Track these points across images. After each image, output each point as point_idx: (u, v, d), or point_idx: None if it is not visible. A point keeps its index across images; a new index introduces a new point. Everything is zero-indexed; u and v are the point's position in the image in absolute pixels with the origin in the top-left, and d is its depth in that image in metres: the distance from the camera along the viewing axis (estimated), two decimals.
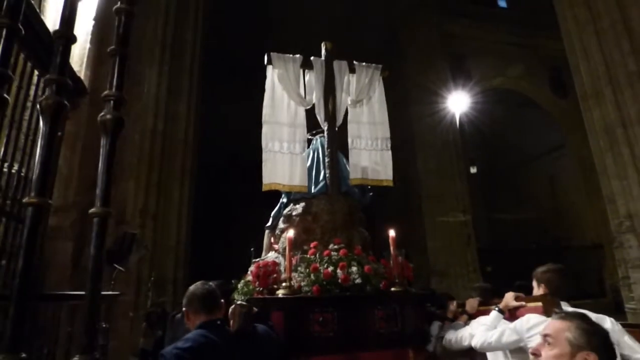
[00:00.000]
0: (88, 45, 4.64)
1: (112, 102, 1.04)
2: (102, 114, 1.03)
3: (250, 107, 5.56)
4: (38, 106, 0.91)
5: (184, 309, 2.24)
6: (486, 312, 2.67)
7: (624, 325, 2.45)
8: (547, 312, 2.30)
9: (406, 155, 17.05)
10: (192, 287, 2.29)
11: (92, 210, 1.00)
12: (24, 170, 3.63)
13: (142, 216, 11.00)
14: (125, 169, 5.25)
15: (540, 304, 2.40)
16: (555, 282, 2.51)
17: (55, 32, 0.97)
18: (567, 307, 2.37)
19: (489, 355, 2.59)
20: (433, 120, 15.84)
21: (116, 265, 3.84)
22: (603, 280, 16.44)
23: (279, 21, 16.35)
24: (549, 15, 13.10)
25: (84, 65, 4.57)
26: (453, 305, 3.30)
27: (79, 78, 4.21)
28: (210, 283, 2.35)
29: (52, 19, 3.77)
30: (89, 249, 3.25)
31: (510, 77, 17.57)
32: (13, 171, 3.48)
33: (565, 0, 10.00)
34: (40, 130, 0.93)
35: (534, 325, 2.25)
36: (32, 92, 3.86)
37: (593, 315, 2.13)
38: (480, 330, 2.51)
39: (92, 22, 4.68)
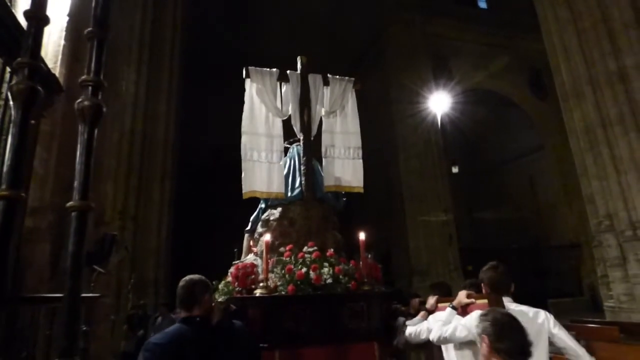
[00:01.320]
0: (62, 42, 4.48)
1: (90, 87, 0.98)
2: (80, 100, 0.96)
3: (232, 105, 5.53)
4: (9, 93, 0.85)
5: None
6: (443, 309, 2.85)
7: (602, 323, 2.59)
8: None
9: (388, 155, 17.16)
10: (180, 283, 2.41)
11: (70, 203, 0.94)
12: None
13: (121, 218, 10.77)
14: (103, 169, 5.09)
15: (486, 301, 2.57)
16: (494, 280, 2.64)
17: (26, 12, 0.90)
18: (509, 303, 2.52)
19: (442, 347, 2.79)
20: (415, 121, 15.96)
21: (96, 267, 3.72)
22: (581, 279, 16.84)
23: (260, 17, 16.24)
24: (529, 17, 13.38)
25: (58, 62, 4.41)
26: (415, 302, 3.50)
27: (53, 75, 4.05)
28: (195, 277, 2.44)
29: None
30: (67, 251, 3.13)
31: (491, 78, 17.86)
32: None
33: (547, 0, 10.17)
34: (12, 118, 0.86)
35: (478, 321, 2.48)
36: (4, 90, 3.71)
37: (532, 310, 2.47)
38: (437, 326, 2.68)
39: (67, 18, 4.52)
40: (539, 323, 2.44)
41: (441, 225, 15.34)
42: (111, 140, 5.35)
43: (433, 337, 2.69)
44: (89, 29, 1.01)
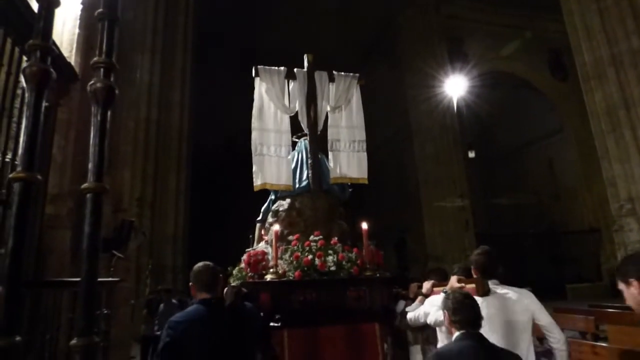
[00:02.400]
0: (77, 31, 4.50)
1: (102, 69, 0.97)
2: (92, 82, 0.96)
3: (246, 91, 5.61)
4: (22, 75, 0.85)
5: (190, 283, 2.60)
6: (438, 293, 3.01)
7: (622, 308, 2.74)
8: (478, 292, 2.69)
9: (402, 140, 17.00)
10: (195, 267, 2.61)
11: (85, 185, 0.94)
12: (17, 159, 3.51)
13: (139, 205, 10.96)
14: (120, 156, 5.16)
15: (474, 285, 2.75)
16: (482, 264, 2.80)
17: None
18: (495, 286, 2.73)
19: (437, 328, 3.02)
20: (430, 105, 15.73)
21: (115, 252, 3.80)
22: (600, 264, 16.56)
23: (271, 2, 16.05)
24: None
25: (73, 51, 4.44)
26: (413, 287, 3.63)
27: (69, 64, 4.08)
28: (211, 264, 2.64)
29: None
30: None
31: (508, 60, 17.41)
32: (7, 160, 3.40)
33: None
34: (26, 101, 0.86)
35: None
36: (22, 79, 3.73)
37: (516, 293, 2.69)
38: (433, 310, 2.87)
39: (80, 6, 4.53)
40: (525, 304, 2.66)
41: (457, 210, 15.20)
42: (127, 127, 5.40)
43: (430, 320, 2.89)
44: (99, 10, 1.00)
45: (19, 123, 3.56)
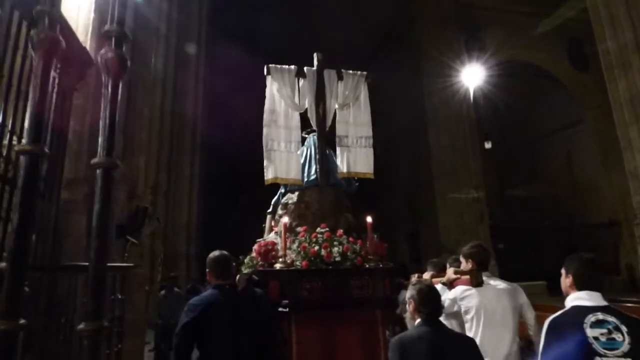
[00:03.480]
0: (92, 15, 4.46)
1: (113, 38, 0.91)
2: (103, 51, 0.90)
3: (259, 80, 5.66)
4: (29, 43, 0.79)
5: (206, 270, 2.81)
6: (436, 282, 3.14)
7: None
8: (472, 283, 2.91)
9: (416, 130, 16.75)
10: (211, 255, 2.82)
11: (94, 160, 0.89)
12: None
13: (153, 193, 11.04)
14: (135, 143, 5.15)
15: (468, 276, 2.96)
16: (477, 257, 3.01)
17: None
18: (488, 278, 2.96)
19: None
20: (446, 94, 15.44)
21: (129, 238, 3.80)
22: (619, 258, 16.19)
23: None
24: None
25: (89, 35, 4.40)
26: (414, 278, 3.73)
27: (84, 49, 4.04)
28: (226, 253, 2.86)
29: None
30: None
31: (527, 49, 16.95)
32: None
33: None
34: (34, 71, 0.81)
35: (463, 294, 2.95)
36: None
37: (508, 286, 2.95)
38: None
39: None
40: (515, 297, 2.90)
41: (472, 202, 14.98)
42: (142, 114, 5.37)
43: None
44: None
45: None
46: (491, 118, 18.94)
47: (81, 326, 0.83)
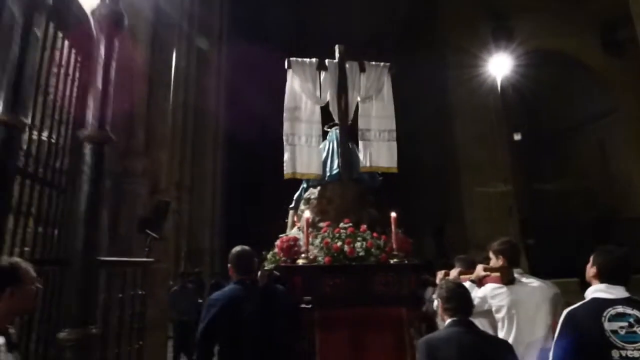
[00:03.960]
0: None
1: None
2: (97, 7, 0.78)
3: (280, 73, 5.65)
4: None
5: (228, 265, 2.84)
6: (465, 280, 3.03)
7: None
8: (503, 280, 2.79)
9: (440, 123, 16.35)
10: (233, 250, 2.83)
11: (84, 133, 0.77)
12: (54, 136, 3.48)
13: (178, 189, 11.14)
14: (157, 139, 5.13)
15: (499, 273, 2.85)
16: (508, 253, 2.92)
17: None
18: (519, 275, 2.85)
19: None
20: (472, 85, 14.97)
21: (149, 232, 3.75)
22: None
23: None
24: None
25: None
26: (440, 274, 3.61)
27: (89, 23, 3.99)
28: (248, 249, 2.86)
29: None
30: (123, 218, 3.10)
31: (557, 37, 16.24)
32: (44, 138, 3.35)
33: None
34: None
35: (493, 292, 2.82)
36: (57, 57, 3.68)
37: (540, 283, 2.82)
38: None
39: None
40: (548, 294, 2.75)
41: (500, 196, 14.52)
42: (164, 110, 5.34)
43: None
44: None
45: (55, 101, 3.51)
46: (519, 109, 18.31)
47: (63, 334, 0.70)
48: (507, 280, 2.79)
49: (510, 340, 2.61)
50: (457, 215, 15.55)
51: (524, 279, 2.85)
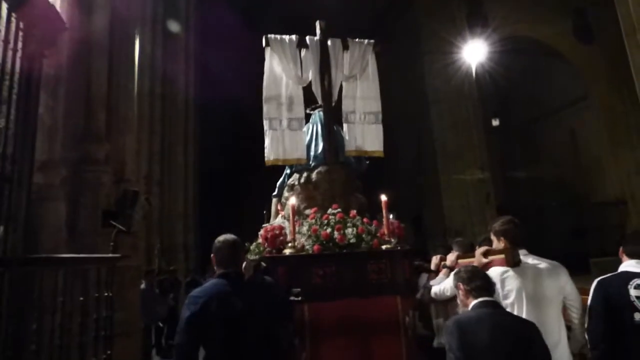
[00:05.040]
0: None
1: None
2: None
3: (254, 56, 5.33)
4: None
5: (212, 255, 2.51)
6: (463, 264, 2.92)
7: None
8: (508, 262, 2.58)
9: (418, 109, 16.21)
10: (217, 240, 2.50)
11: None
12: (2, 122, 3.00)
13: (147, 183, 10.50)
14: (120, 121, 4.61)
15: (503, 255, 2.64)
16: (511, 234, 2.71)
17: None
18: (526, 257, 2.64)
19: None
20: (447, 72, 14.88)
21: (114, 223, 3.29)
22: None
23: None
24: None
25: None
26: (436, 259, 3.49)
27: (53, 8, 3.49)
28: (231, 238, 2.53)
29: None
30: (84, 211, 2.61)
31: (531, 23, 16.33)
32: None
33: None
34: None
35: (502, 277, 2.59)
36: (2, 26, 3.16)
37: (550, 263, 2.64)
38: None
39: None
40: (557, 276, 2.60)
41: (477, 183, 14.54)
42: (127, 90, 4.81)
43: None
44: None
45: (1, 79, 2.99)
46: (493, 96, 18.42)
47: None
48: (514, 262, 2.56)
49: None
50: (434, 203, 15.51)
51: (530, 260, 2.64)
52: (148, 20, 11.38)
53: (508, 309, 2.51)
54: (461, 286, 2.29)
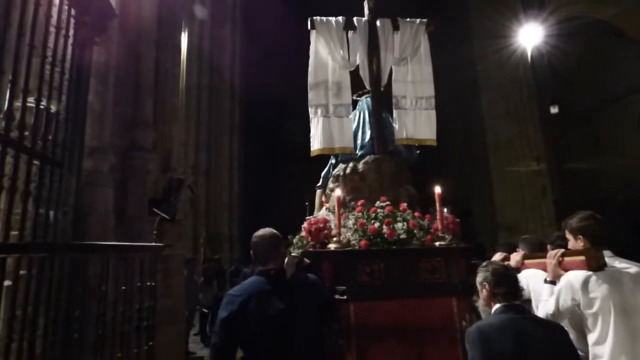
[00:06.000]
0: None
1: None
2: None
3: (299, 50, 5.23)
4: None
5: (251, 251, 2.44)
6: (532, 266, 2.72)
7: None
8: (590, 266, 2.22)
9: (467, 99, 15.46)
10: (255, 234, 2.42)
11: None
12: (53, 106, 2.99)
13: (194, 173, 10.73)
14: (167, 110, 4.60)
15: (583, 257, 2.27)
16: (592, 232, 2.34)
17: None
18: (612, 259, 2.27)
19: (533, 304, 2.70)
20: (501, 57, 14.01)
21: (157, 211, 3.25)
22: None
23: None
24: None
25: None
26: (498, 257, 3.12)
27: None
28: (267, 233, 2.44)
29: None
30: (131, 197, 2.55)
31: (594, 3, 15.08)
32: (41, 107, 2.84)
33: None
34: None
35: (584, 283, 2.23)
36: (54, 13, 3.15)
37: (635, 267, 2.23)
38: (540, 306, 2.52)
39: None
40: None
41: (532, 175, 13.68)
42: (174, 78, 4.80)
43: (542, 311, 2.43)
44: None
45: (53, 65, 2.99)
46: (551, 83, 17.23)
47: None
48: (597, 265, 2.20)
49: (608, 343, 2.09)
50: (485, 196, 14.79)
51: (617, 264, 2.25)
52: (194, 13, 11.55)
53: (588, 321, 2.21)
54: (487, 287, 2.16)
